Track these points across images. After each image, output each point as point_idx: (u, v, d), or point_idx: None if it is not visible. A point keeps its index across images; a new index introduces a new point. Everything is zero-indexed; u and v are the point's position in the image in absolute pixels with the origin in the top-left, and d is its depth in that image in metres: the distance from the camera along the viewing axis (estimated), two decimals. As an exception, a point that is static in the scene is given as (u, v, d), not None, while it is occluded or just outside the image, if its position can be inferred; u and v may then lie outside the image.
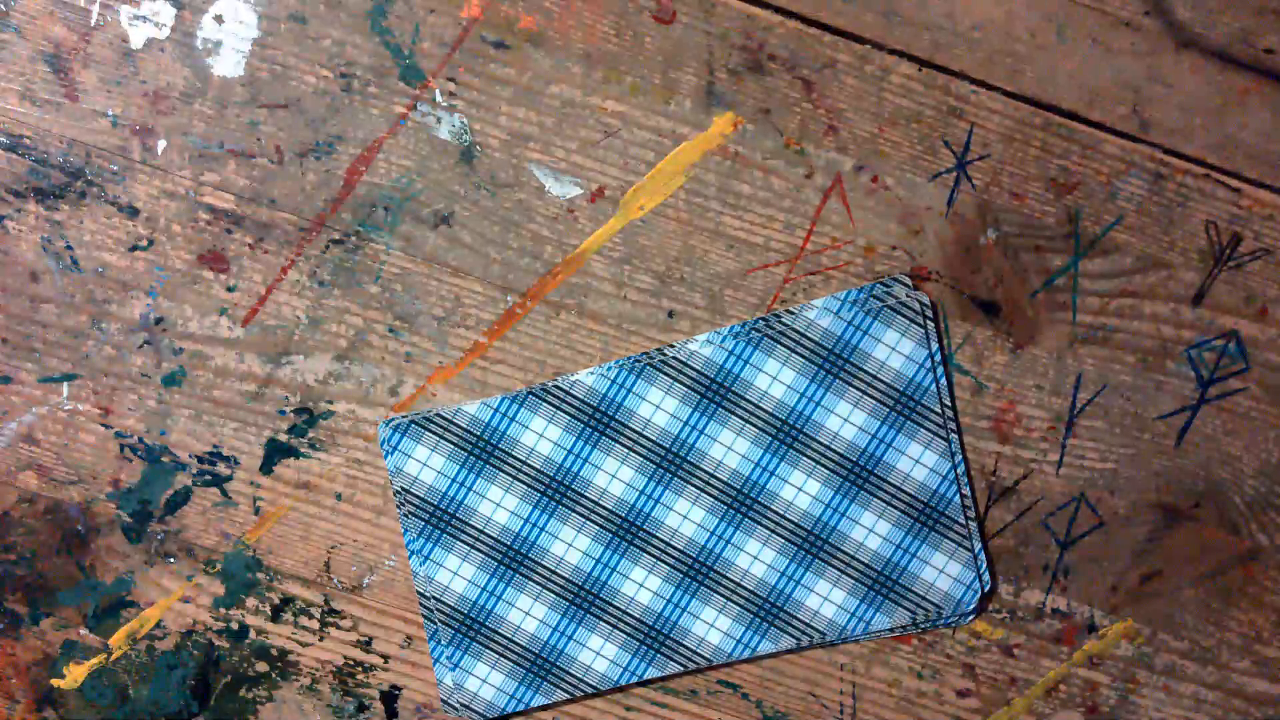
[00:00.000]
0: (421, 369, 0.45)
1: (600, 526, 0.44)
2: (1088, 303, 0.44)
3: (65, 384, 0.45)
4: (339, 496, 0.45)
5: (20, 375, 0.45)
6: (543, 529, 0.45)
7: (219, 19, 0.43)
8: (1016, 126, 0.44)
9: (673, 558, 0.45)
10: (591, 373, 0.44)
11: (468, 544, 0.45)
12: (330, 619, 0.45)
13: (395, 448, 0.44)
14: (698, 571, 0.45)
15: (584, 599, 0.45)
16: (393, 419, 0.44)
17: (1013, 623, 0.45)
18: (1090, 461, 0.45)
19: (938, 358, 0.44)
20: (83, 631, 0.46)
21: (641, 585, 0.45)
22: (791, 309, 0.44)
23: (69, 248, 0.44)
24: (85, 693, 0.46)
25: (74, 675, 0.46)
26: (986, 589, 0.45)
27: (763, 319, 0.44)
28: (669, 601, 0.45)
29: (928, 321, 0.44)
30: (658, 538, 0.44)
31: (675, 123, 0.44)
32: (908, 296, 0.44)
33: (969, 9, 0.44)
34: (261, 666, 0.46)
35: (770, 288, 0.44)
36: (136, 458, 0.45)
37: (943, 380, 0.44)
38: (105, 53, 0.44)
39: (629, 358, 0.44)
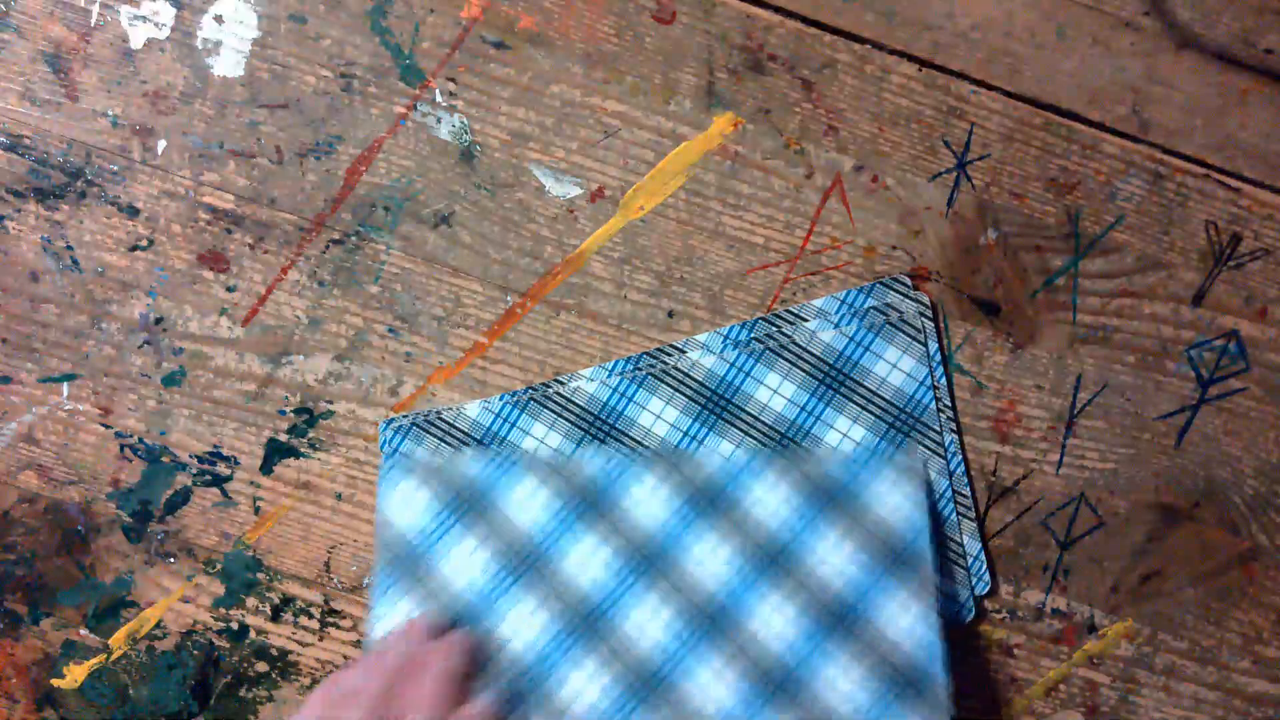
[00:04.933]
0: (421, 369, 0.45)
1: None
2: (1088, 303, 0.44)
3: (65, 384, 0.45)
4: (339, 496, 0.45)
5: (20, 375, 0.45)
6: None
7: (219, 19, 0.43)
8: (1016, 126, 0.44)
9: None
10: (593, 380, 0.44)
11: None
12: (330, 619, 0.45)
13: (395, 449, 0.44)
14: (708, 619, 0.42)
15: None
16: (393, 419, 0.44)
17: (1013, 623, 0.45)
18: (1090, 461, 0.45)
19: (939, 374, 0.44)
20: (83, 631, 0.46)
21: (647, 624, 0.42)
22: (791, 309, 0.44)
23: (69, 248, 0.44)
24: (85, 693, 0.46)
25: (74, 675, 0.46)
26: (986, 590, 0.45)
27: (763, 319, 0.44)
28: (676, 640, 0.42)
29: (929, 340, 0.44)
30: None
31: (675, 123, 0.44)
32: (909, 308, 0.44)
33: (969, 9, 0.44)
34: (261, 666, 0.46)
35: (770, 288, 0.44)
36: (136, 458, 0.45)
37: (945, 401, 0.44)
38: (105, 53, 0.44)
39: (630, 364, 0.44)
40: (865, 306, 0.44)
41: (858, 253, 0.44)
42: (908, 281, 0.44)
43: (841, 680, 0.40)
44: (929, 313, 0.44)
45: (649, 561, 0.42)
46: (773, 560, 0.41)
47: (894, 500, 0.42)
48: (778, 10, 0.43)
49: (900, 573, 0.41)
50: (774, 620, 0.41)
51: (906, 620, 0.41)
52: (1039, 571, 0.45)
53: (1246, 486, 0.45)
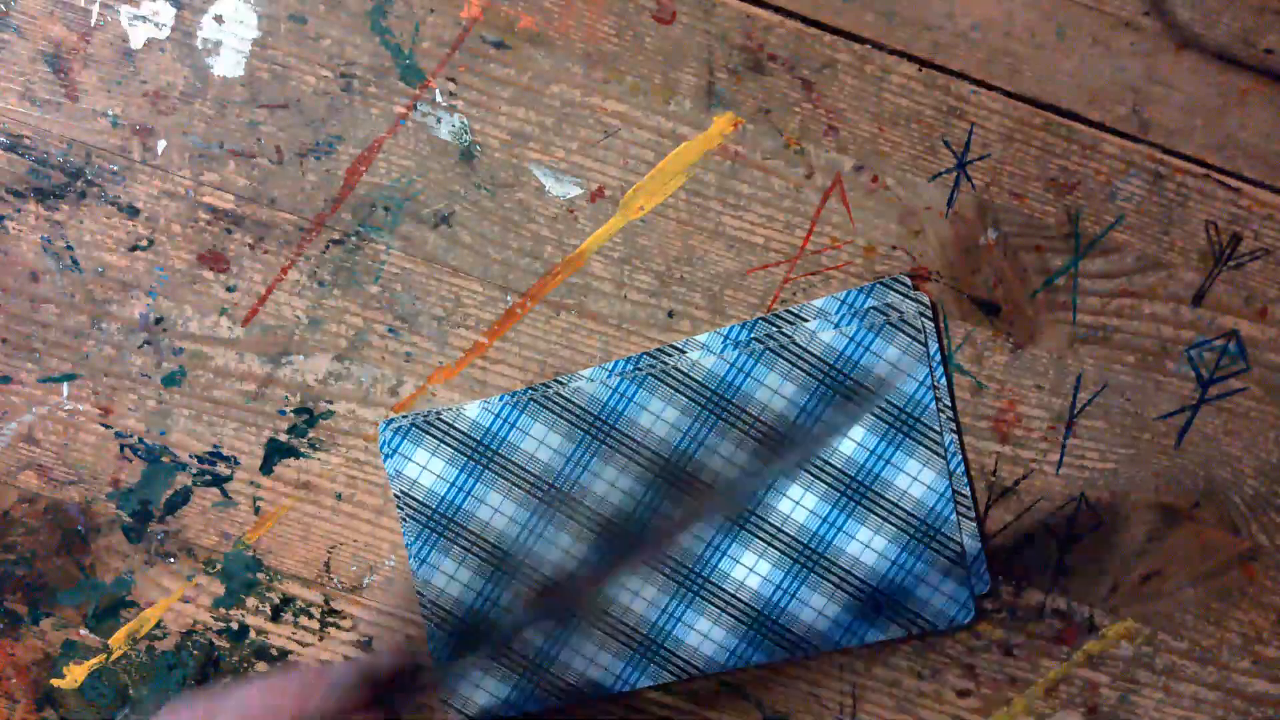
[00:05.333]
0: (421, 369, 0.45)
1: (598, 535, 0.44)
2: (1088, 303, 0.44)
3: (65, 384, 0.45)
4: (339, 496, 0.45)
5: (20, 375, 0.45)
6: (540, 535, 0.45)
7: (219, 19, 0.43)
8: (1016, 126, 0.44)
9: (668, 568, 0.45)
10: (593, 380, 0.44)
11: (464, 548, 0.45)
12: (330, 619, 0.45)
13: (395, 450, 0.44)
14: (693, 582, 0.45)
15: None
16: (393, 420, 0.44)
17: (1013, 623, 0.45)
18: (1090, 461, 0.45)
19: (939, 374, 0.44)
20: (83, 631, 0.46)
21: (637, 594, 0.45)
22: (792, 309, 0.44)
23: (69, 248, 0.44)
24: (85, 693, 0.46)
25: (74, 675, 0.46)
26: (986, 590, 0.45)
27: (763, 319, 0.44)
28: (663, 611, 0.45)
29: (929, 341, 0.44)
30: None
31: (675, 123, 0.44)
32: (909, 308, 0.44)
33: (969, 9, 0.44)
34: (261, 667, 0.46)
35: (770, 288, 0.44)
36: (136, 458, 0.45)
37: (945, 401, 0.44)
38: (105, 53, 0.44)
39: (629, 364, 0.44)
40: (865, 306, 0.44)
41: (858, 253, 0.44)
42: (908, 281, 0.44)
43: (872, 538, 0.44)
44: (929, 313, 0.44)
45: (674, 476, 0.44)
46: (780, 445, 0.44)
47: (895, 359, 0.44)
48: (778, 10, 0.43)
49: (911, 427, 0.44)
50: (802, 500, 0.44)
51: (924, 474, 0.44)
52: (1039, 571, 0.45)
53: (1246, 486, 0.45)
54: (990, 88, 0.44)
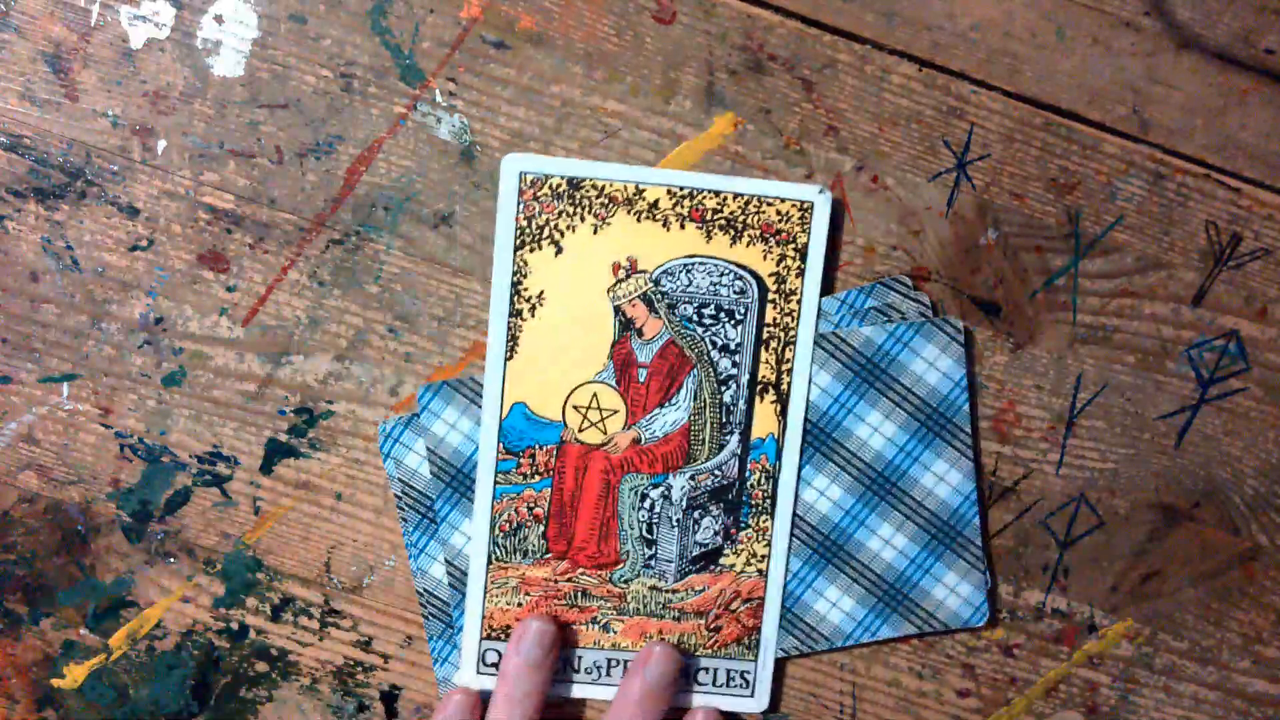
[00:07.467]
0: (421, 369, 0.45)
1: None
2: (1088, 303, 0.44)
3: (65, 384, 0.45)
4: (339, 496, 0.45)
5: (20, 375, 0.45)
6: None
7: (219, 19, 0.43)
8: (1016, 126, 0.44)
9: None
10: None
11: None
12: (330, 619, 0.45)
13: (396, 440, 0.44)
14: None
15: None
16: (393, 418, 0.44)
17: (1013, 623, 0.45)
18: (1090, 461, 0.45)
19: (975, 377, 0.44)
20: (83, 631, 0.46)
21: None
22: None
23: (69, 248, 0.44)
24: (85, 693, 0.46)
25: (74, 675, 0.46)
26: (986, 590, 0.45)
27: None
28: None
29: (969, 342, 0.44)
30: None
31: (675, 123, 0.44)
32: (909, 309, 0.44)
33: (969, 9, 0.44)
34: (261, 666, 0.46)
35: (770, 288, 0.44)
36: (136, 458, 0.45)
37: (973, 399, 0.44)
38: (105, 53, 0.44)
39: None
40: (866, 307, 0.44)
41: (858, 253, 0.44)
42: (908, 281, 0.44)
43: (894, 535, 0.44)
44: (929, 313, 0.44)
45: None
46: (819, 438, 0.44)
47: (933, 357, 0.44)
48: (778, 10, 0.43)
49: (942, 427, 0.44)
50: (827, 491, 0.44)
51: (951, 475, 0.44)
52: (1039, 571, 0.45)
53: (1246, 486, 0.45)
54: (990, 88, 0.44)
